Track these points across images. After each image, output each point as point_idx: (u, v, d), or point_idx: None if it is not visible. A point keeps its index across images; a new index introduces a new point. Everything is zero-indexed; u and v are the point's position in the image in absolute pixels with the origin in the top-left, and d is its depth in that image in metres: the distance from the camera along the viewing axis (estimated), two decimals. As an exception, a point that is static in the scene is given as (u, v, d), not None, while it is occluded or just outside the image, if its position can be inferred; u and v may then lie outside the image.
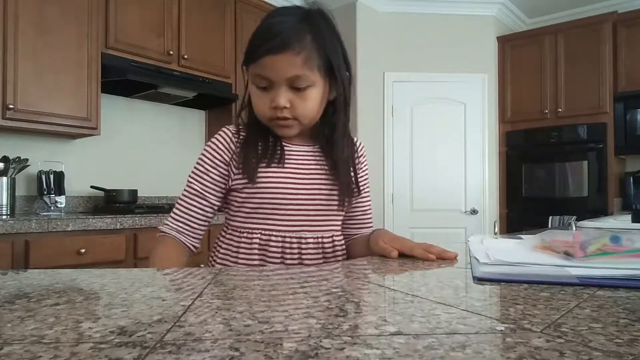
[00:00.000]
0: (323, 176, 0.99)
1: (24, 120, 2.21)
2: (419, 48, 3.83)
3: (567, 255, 0.70)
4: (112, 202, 2.64)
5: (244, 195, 0.94)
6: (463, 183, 3.83)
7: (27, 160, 2.39)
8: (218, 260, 0.99)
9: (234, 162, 0.96)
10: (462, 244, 0.98)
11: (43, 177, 2.43)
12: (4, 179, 2.27)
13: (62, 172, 2.50)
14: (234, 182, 0.96)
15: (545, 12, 4.19)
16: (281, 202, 0.94)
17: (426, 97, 3.84)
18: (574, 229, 1.20)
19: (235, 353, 0.32)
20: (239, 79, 3.10)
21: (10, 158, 2.31)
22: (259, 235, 0.94)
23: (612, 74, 3.51)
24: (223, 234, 1.01)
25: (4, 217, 2.15)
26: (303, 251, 0.95)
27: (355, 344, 0.34)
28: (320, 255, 0.97)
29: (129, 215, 2.29)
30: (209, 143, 0.99)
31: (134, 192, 2.76)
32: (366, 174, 1.11)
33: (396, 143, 3.83)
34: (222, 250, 0.99)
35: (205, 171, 0.97)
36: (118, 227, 2.21)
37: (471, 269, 0.67)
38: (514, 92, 3.92)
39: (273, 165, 0.95)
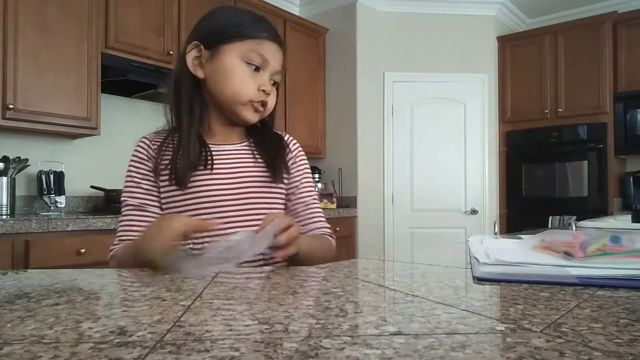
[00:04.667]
0: (253, 170, 0.96)
1: (24, 120, 2.21)
2: (419, 48, 3.83)
3: (567, 255, 0.70)
4: (112, 202, 2.64)
5: (171, 203, 0.92)
6: (463, 183, 3.84)
7: (27, 160, 2.39)
8: None
9: (156, 170, 0.92)
10: (462, 244, 0.98)
11: (43, 177, 2.43)
12: (4, 179, 2.27)
13: (62, 172, 2.50)
14: (161, 191, 0.93)
15: (545, 12, 4.19)
16: (213, 207, 0.90)
17: (426, 97, 3.84)
18: (574, 229, 1.20)
19: (235, 353, 0.32)
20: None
21: (10, 158, 2.31)
22: (190, 245, 0.88)
23: (612, 74, 3.51)
24: None
25: (4, 217, 2.15)
26: None
27: (355, 344, 0.34)
28: (259, 257, 0.88)
29: (129, 215, 2.29)
30: (131, 157, 0.95)
31: (134, 192, 2.75)
32: (304, 167, 1.05)
33: (396, 143, 3.83)
34: None
35: (137, 184, 0.93)
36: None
37: (471, 269, 0.67)
38: (514, 92, 3.92)
39: (200, 170, 0.91)
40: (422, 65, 3.83)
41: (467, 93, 3.86)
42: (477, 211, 3.81)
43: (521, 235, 1.10)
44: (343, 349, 0.33)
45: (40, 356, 0.31)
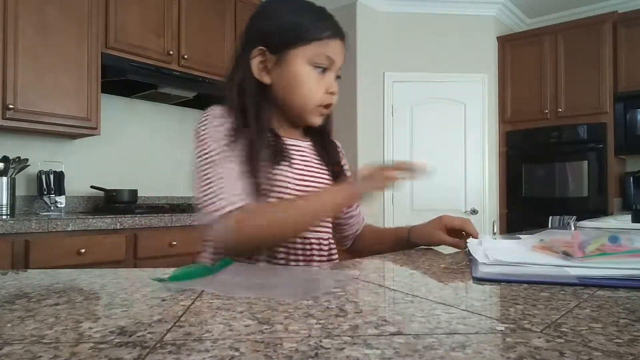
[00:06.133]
0: (320, 170, 0.97)
1: (24, 120, 2.21)
2: (419, 48, 3.83)
3: (566, 255, 0.70)
4: (112, 202, 2.64)
5: None
6: (463, 183, 3.83)
7: (27, 160, 2.39)
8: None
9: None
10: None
11: (43, 177, 2.43)
12: (4, 179, 2.27)
13: (62, 172, 2.50)
14: None
15: (545, 12, 4.19)
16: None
17: (426, 97, 3.84)
18: (573, 228, 1.20)
19: (235, 353, 0.32)
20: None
21: (10, 158, 2.31)
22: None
23: (612, 74, 3.51)
24: None
25: (4, 217, 2.15)
26: (307, 252, 0.92)
27: (355, 344, 0.34)
28: (318, 257, 0.95)
29: (129, 215, 2.29)
30: (214, 120, 0.85)
31: (134, 192, 2.76)
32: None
33: (396, 143, 3.83)
34: (216, 252, 0.89)
35: (234, 145, 0.83)
36: (118, 227, 2.21)
37: (470, 269, 0.67)
38: (514, 92, 3.92)
39: (278, 163, 0.89)
40: (422, 65, 3.83)
41: (467, 93, 3.86)
42: (477, 211, 3.81)
43: (520, 235, 1.10)
44: (343, 349, 0.33)
45: (40, 356, 0.31)
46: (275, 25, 0.89)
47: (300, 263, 0.90)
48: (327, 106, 0.93)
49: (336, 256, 1.00)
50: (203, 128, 0.86)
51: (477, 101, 3.86)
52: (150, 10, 2.66)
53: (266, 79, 0.90)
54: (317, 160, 0.99)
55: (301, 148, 0.96)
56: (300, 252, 0.91)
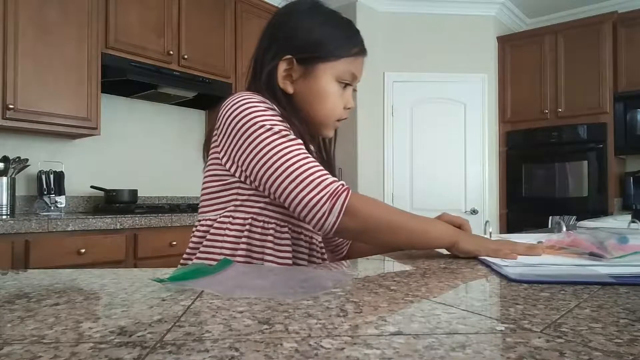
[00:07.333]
0: None
1: (24, 120, 2.21)
2: (419, 48, 3.83)
3: (594, 256, 0.70)
4: (112, 202, 2.64)
5: (260, 196, 0.84)
6: (463, 183, 3.83)
7: (27, 160, 2.39)
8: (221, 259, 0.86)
9: None
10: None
11: (43, 177, 2.43)
12: (4, 179, 2.27)
13: (62, 172, 2.50)
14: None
15: (545, 12, 4.19)
16: None
17: (426, 97, 3.84)
18: (564, 229, 1.20)
19: (235, 353, 0.32)
20: (239, 79, 3.10)
21: (10, 158, 2.31)
22: (287, 231, 0.84)
23: (612, 74, 3.51)
24: (225, 226, 0.83)
25: (4, 217, 2.15)
26: (313, 252, 0.92)
27: (355, 344, 0.34)
28: (319, 258, 0.95)
29: (129, 215, 2.29)
30: (257, 103, 0.81)
31: (134, 192, 2.76)
32: None
33: (396, 143, 3.83)
34: (227, 247, 0.82)
35: (286, 126, 0.80)
36: (118, 227, 2.21)
37: (490, 269, 0.67)
38: (514, 92, 3.92)
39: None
40: (422, 65, 3.83)
41: (467, 93, 3.86)
42: (477, 211, 3.81)
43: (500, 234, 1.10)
44: (343, 349, 0.33)
45: (40, 356, 0.31)
46: (307, 38, 0.87)
47: (304, 263, 0.89)
48: (341, 120, 0.93)
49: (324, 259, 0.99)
50: (249, 104, 0.80)
51: (477, 101, 3.86)
52: (150, 10, 2.66)
53: (289, 89, 0.88)
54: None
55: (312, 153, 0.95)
56: (306, 250, 0.90)
